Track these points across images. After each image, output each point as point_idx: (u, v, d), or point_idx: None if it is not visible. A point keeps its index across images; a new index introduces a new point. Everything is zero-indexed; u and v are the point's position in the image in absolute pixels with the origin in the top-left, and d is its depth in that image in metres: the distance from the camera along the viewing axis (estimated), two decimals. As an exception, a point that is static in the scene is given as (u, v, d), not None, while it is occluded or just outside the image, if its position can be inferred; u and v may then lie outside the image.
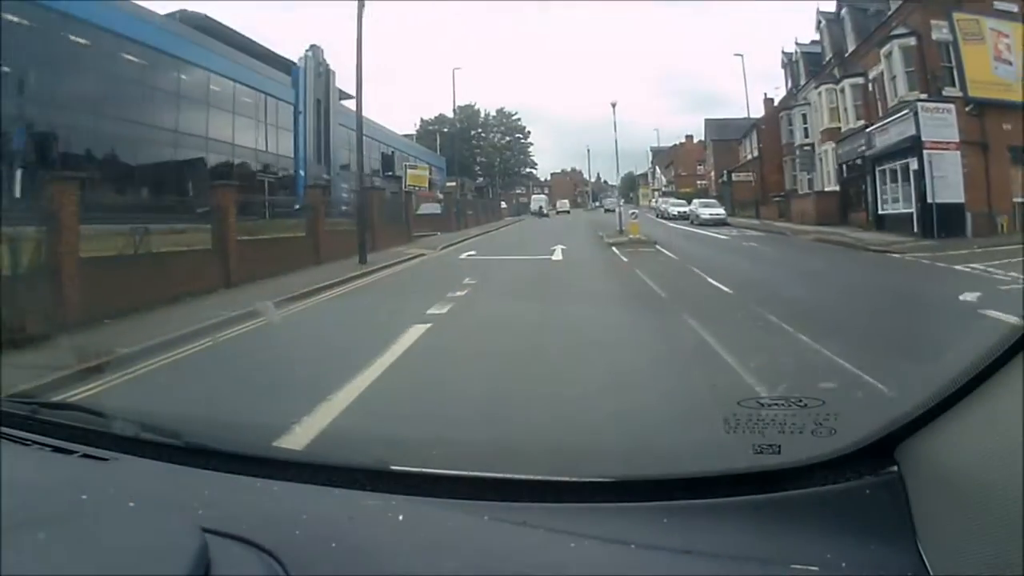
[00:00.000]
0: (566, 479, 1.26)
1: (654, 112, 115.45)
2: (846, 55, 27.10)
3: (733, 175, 38.13)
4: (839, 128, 26.97)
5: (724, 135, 47.27)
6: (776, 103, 38.31)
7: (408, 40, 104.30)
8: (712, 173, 48.63)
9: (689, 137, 67.46)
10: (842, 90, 26.33)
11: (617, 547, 1.02)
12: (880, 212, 22.38)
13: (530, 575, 0.99)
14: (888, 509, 1.03)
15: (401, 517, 1.11)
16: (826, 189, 27.94)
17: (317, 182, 27.83)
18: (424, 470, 1.31)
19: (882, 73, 23.17)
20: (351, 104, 35.35)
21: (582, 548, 1.02)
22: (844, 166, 26.33)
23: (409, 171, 24.77)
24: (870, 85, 24.85)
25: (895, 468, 1.09)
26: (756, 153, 37.74)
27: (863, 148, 23.68)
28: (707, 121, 51.12)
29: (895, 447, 1.10)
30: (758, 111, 40.63)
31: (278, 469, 1.31)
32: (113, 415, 1.60)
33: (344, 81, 29.09)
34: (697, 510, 1.11)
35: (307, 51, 29.48)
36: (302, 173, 27.56)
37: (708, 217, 29.68)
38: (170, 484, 1.28)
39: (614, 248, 17.89)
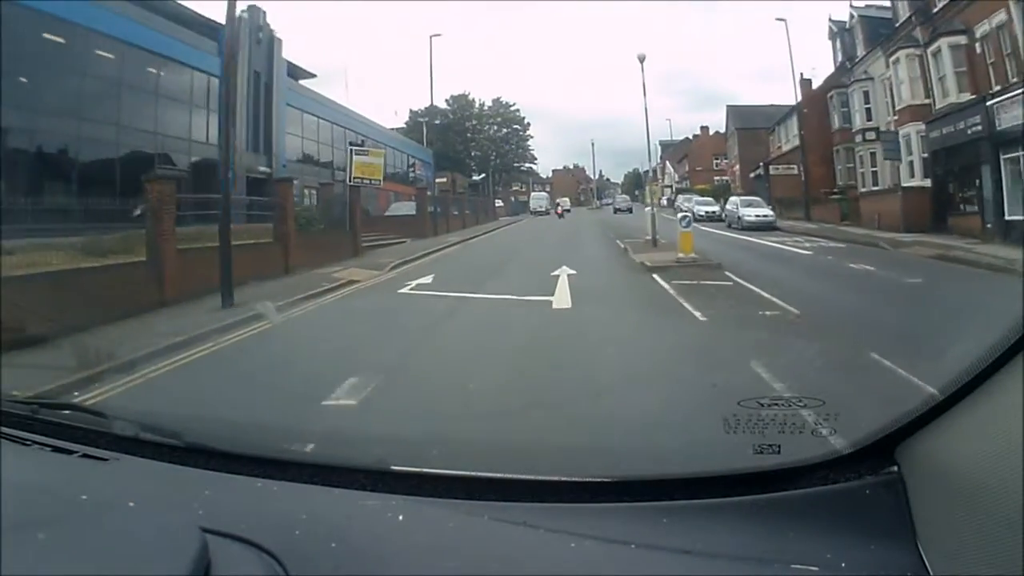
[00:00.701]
0: (566, 479, 1.25)
1: (658, 110, 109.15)
2: (934, 11, 20.69)
3: (771, 168, 31.74)
4: (927, 105, 20.63)
5: (751, 123, 40.94)
6: (814, 84, 31.95)
7: (405, 37, 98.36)
8: (737, 167, 42.14)
9: (704, 128, 60.88)
10: (935, 53, 19.91)
11: (617, 547, 1.02)
12: (1007, 217, 16.07)
13: (530, 575, 0.99)
14: (888, 509, 1.04)
15: (401, 517, 1.12)
16: (907, 184, 21.56)
17: (252, 175, 21.69)
18: (424, 470, 1.30)
19: (1000, 27, 16.87)
20: (312, 84, 29.45)
21: (582, 548, 1.02)
22: (938, 154, 19.98)
23: (356, 158, 18.23)
24: (978, 45, 18.47)
25: (895, 468, 1.09)
26: (797, 142, 31.38)
27: (977, 129, 17.36)
28: (730, 108, 44.69)
29: (895, 447, 1.10)
30: (782, 96, 34.39)
31: (278, 469, 1.30)
32: (113, 415, 1.60)
33: (305, 55, 22.95)
34: (697, 510, 1.11)
35: (242, 12, 23.20)
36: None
37: (754, 220, 23.30)
38: (170, 484, 1.28)
39: (657, 277, 10.90)
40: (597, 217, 39.85)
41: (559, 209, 46.06)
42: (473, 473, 1.26)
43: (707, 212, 28.83)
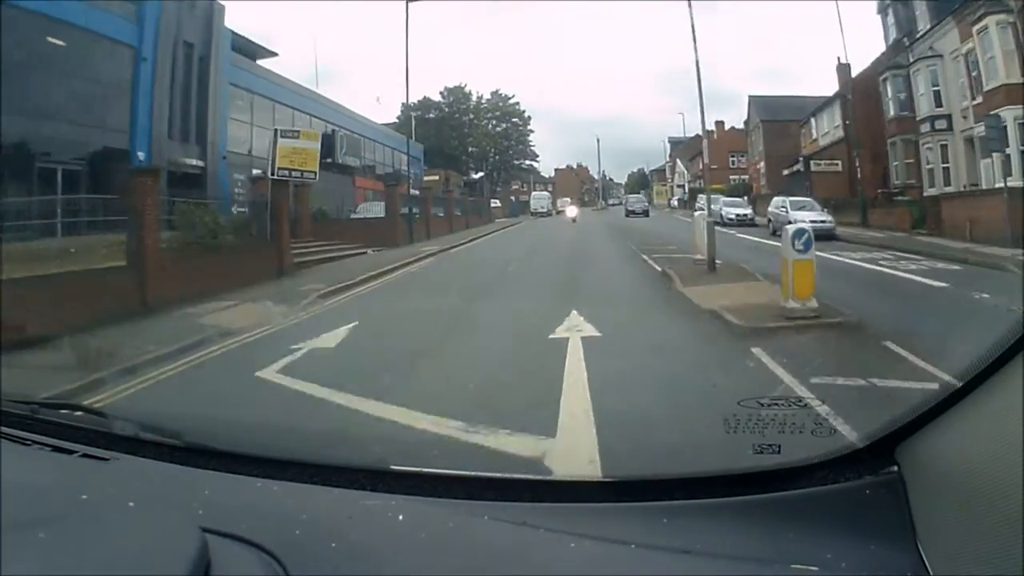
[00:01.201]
0: (566, 479, 1.29)
1: (661, 110, 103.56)
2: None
3: (812, 163, 26.89)
4: (1026, 83, 16.14)
5: (778, 115, 36.23)
6: (854, 71, 27.44)
7: (408, 36, 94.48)
8: (762, 164, 37.39)
9: (720, 123, 56.26)
10: (1047, 14, 15.41)
11: (617, 547, 1.02)
12: None
13: (530, 575, 0.99)
14: (888, 509, 1.03)
15: (401, 517, 1.11)
16: (998, 185, 16.94)
17: (176, 170, 17.31)
18: (424, 470, 1.29)
19: None
20: (268, 64, 25.14)
21: (582, 548, 1.02)
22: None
23: (281, 143, 14.17)
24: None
25: (895, 468, 1.09)
26: (840, 134, 26.82)
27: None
28: (752, 99, 39.57)
29: (895, 447, 1.10)
30: (821, 83, 29.73)
31: (278, 469, 1.29)
32: (113, 415, 1.64)
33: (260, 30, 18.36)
34: (697, 510, 1.11)
35: (167, -32, 18.65)
36: (141, 156, 16.82)
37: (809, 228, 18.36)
38: (170, 484, 1.28)
39: (768, 359, 5.32)
40: (606, 220, 34.47)
41: (573, 212, 37.72)
42: (473, 473, 1.27)
43: (737, 215, 24.21)
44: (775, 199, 21.49)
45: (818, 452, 1.16)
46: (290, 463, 1.32)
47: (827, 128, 28.71)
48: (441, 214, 28.23)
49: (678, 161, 62.69)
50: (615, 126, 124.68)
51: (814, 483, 1.11)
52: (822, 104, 29.64)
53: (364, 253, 16.96)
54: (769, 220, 20.78)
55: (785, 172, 29.66)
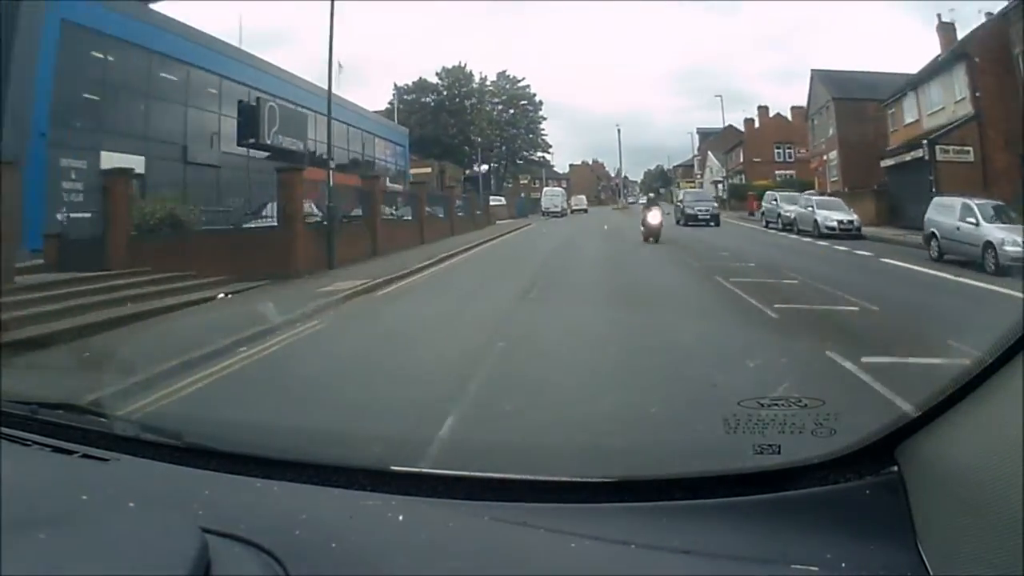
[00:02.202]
0: (566, 479, 1.25)
1: (675, 109, 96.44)
2: None
3: (938, 149, 18.61)
4: None
5: (853, 93, 28.46)
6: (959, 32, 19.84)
7: (413, 37, 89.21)
8: (832, 154, 29.19)
9: (763, 109, 48.22)
10: None
11: (617, 547, 1.02)
12: None
13: (530, 575, 0.98)
14: (888, 509, 1.02)
15: (401, 517, 1.11)
16: None
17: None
18: (424, 470, 1.29)
19: None
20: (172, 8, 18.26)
21: (582, 548, 1.02)
22: None
23: None
24: None
25: (895, 468, 1.08)
26: (968, 110, 18.97)
27: None
28: (817, 74, 31.82)
29: (895, 447, 1.09)
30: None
31: (278, 469, 1.29)
32: (113, 415, 1.65)
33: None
34: (697, 510, 1.10)
35: None
36: None
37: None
38: (170, 484, 1.27)
39: None
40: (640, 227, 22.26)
41: (654, 220, 18.21)
42: (473, 473, 1.26)
43: (840, 223, 16.77)
44: (947, 201, 13.04)
45: (818, 452, 1.16)
46: (290, 463, 1.31)
47: (940, 103, 20.92)
48: (408, 217, 20.87)
49: (710, 155, 54.80)
50: (628, 123, 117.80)
51: (814, 483, 1.11)
52: (928, 71, 21.93)
53: (210, 299, 9.69)
54: (932, 236, 12.41)
55: (888, 162, 21.56)
